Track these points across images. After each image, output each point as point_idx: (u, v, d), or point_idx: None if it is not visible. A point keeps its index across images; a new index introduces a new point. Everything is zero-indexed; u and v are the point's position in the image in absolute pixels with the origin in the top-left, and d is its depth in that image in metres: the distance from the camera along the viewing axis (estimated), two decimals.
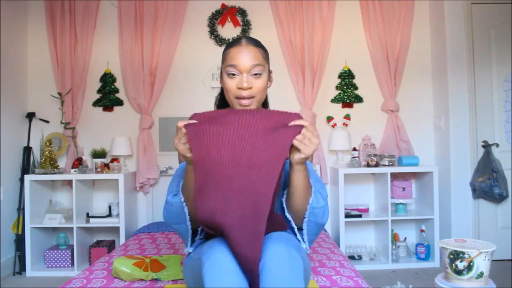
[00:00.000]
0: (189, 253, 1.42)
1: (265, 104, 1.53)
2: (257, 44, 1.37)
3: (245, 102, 1.32)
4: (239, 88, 1.31)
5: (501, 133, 3.32)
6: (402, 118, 3.52)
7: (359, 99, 3.56)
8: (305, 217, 1.30)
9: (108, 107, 3.54)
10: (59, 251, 3.20)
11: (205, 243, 1.30)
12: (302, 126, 1.16)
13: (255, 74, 1.32)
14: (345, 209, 3.29)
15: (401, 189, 3.40)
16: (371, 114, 3.57)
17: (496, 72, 3.34)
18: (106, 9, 3.55)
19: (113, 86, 3.53)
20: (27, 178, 3.14)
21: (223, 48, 3.54)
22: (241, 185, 1.13)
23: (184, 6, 3.49)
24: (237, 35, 3.53)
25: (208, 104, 3.54)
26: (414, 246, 3.33)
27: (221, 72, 1.38)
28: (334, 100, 3.56)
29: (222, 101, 1.52)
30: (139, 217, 3.54)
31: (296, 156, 1.19)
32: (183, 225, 1.33)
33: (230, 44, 1.37)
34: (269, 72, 1.40)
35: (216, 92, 3.54)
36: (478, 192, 3.23)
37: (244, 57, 1.31)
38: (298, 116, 1.19)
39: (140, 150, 3.42)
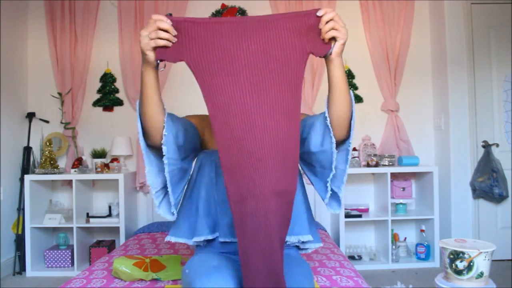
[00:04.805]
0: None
1: None
2: None
3: None
4: None
5: (501, 133, 3.31)
6: (402, 118, 3.52)
7: (359, 99, 3.56)
8: (351, 120, 1.24)
9: (108, 107, 3.54)
10: (59, 251, 3.20)
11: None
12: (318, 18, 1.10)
13: None
14: (345, 209, 3.29)
15: (401, 189, 3.40)
16: (371, 114, 3.57)
17: (496, 72, 3.33)
18: (106, 9, 3.55)
19: (113, 86, 3.53)
20: (27, 178, 3.14)
21: None
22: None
23: (184, 6, 3.49)
24: None
25: None
26: (414, 246, 3.33)
27: None
28: None
29: None
30: (139, 217, 3.54)
31: (337, 46, 1.12)
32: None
33: None
34: None
35: None
36: (478, 192, 3.23)
37: None
38: (315, 11, 1.11)
39: (140, 150, 3.42)
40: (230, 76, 1.08)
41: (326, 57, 1.15)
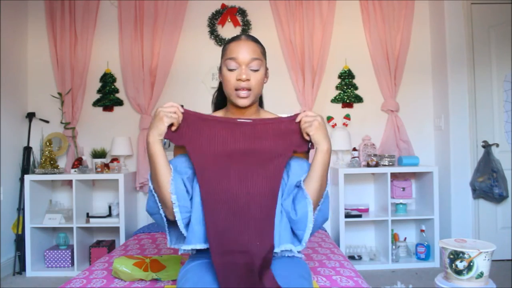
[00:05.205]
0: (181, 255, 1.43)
1: (259, 101, 1.55)
2: (255, 40, 1.43)
3: (243, 93, 1.36)
4: (238, 80, 1.34)
5: (501, 133, 3.32)
6: (402, 118, 3.52)
7: (359, 99, 3.56)
8: (319, 204, 1.33)
9: (108, 107, 3.54)
10: (59, 251, 3.20)
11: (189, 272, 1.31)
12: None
13: (254, 70, 1.36)
14: (345, 209, 3.29)
15: (401, 189, 3.40)
16: (371, 114, 3.57)
17: (496, 72, 3.34)
18: (106, 9, 3.55)
19: (113, 86, 3.53)
20: (27, 178, 3.14)
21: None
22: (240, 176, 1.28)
23: (184, 6, 3.49)
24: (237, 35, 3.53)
25: (208, 104, 3.55)
26: (414, 246, 3.33)
27: (220, 67, 1.42)
28: (334, 100, 3.56)
29: (220, 97, 1.56)
30: (139, 217, 3.54)
31: (312, 135, 1.29)
32: (158, 215, 1.33)
33: (231, 40, 1.43)
34: (266, 68, 1.44)
35: None
36: (478, 192, 3.23)
37: (244, 50, 1.36)
38: (295, 117, 1.34)
39: (140, 150, 3.42)
40: (222, 170, 1.27)
41: (309, 151, 1.37)
